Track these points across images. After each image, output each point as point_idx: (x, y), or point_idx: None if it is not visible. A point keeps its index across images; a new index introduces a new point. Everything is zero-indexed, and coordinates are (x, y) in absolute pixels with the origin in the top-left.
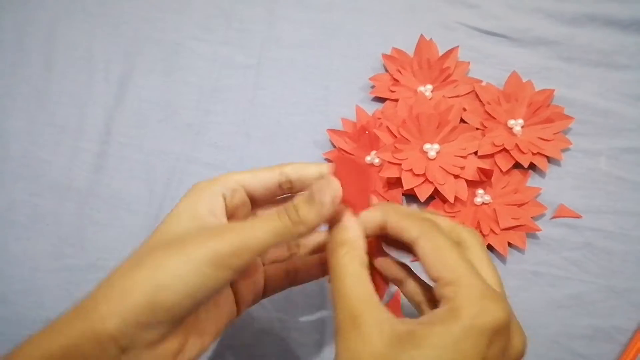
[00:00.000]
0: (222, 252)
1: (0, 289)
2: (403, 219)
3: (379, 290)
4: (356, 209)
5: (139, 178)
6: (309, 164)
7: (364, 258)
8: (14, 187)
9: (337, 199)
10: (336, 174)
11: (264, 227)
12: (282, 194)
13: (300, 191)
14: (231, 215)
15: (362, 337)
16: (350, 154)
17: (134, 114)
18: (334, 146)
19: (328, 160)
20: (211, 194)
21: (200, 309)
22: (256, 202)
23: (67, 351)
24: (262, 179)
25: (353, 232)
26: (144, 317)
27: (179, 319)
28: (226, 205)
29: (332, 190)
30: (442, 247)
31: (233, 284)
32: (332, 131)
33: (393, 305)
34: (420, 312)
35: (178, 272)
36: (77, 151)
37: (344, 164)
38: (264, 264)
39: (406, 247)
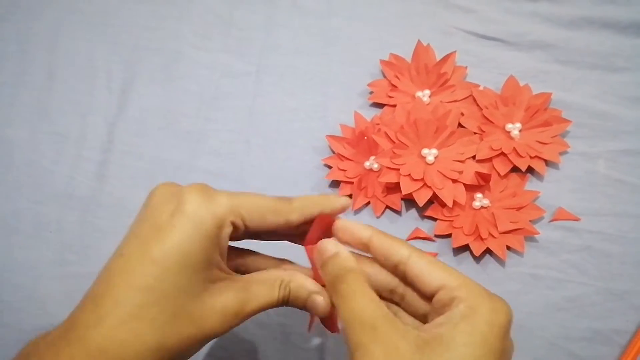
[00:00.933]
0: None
1: (4, 296)
2: (393, 241)
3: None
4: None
5: (141, 186)
6: (315, 201)
7: (367, 281)
8: (18, 196)
9: (324, 313)
10: (316, 225)
11: (260, 303)
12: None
13: (300, 223)
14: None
15: (388, 347)
16: (350, 159)
17: (135, 122)
18: (333, 152)
19: (327, 166)
20: (215, 237)
21: None
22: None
23: None
24: (266, 220)
25: (353, 259)
26: None
27: None
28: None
29: (324, 306)
30: (434, 260)
31: None
32: (331, 137)
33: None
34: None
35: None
36: (79, 159)
37: (325, 222)
38: None
39: None
